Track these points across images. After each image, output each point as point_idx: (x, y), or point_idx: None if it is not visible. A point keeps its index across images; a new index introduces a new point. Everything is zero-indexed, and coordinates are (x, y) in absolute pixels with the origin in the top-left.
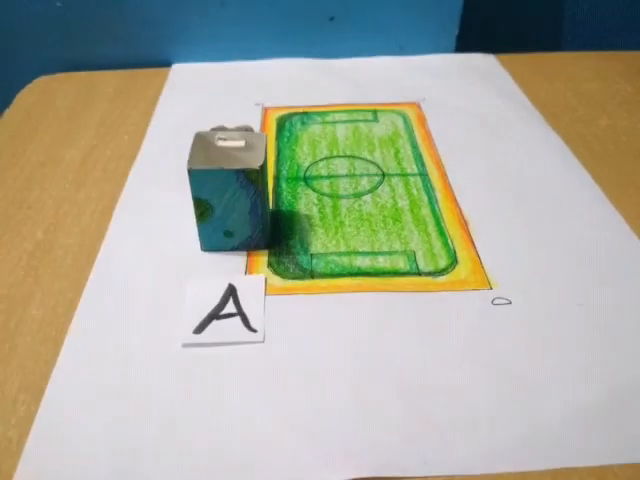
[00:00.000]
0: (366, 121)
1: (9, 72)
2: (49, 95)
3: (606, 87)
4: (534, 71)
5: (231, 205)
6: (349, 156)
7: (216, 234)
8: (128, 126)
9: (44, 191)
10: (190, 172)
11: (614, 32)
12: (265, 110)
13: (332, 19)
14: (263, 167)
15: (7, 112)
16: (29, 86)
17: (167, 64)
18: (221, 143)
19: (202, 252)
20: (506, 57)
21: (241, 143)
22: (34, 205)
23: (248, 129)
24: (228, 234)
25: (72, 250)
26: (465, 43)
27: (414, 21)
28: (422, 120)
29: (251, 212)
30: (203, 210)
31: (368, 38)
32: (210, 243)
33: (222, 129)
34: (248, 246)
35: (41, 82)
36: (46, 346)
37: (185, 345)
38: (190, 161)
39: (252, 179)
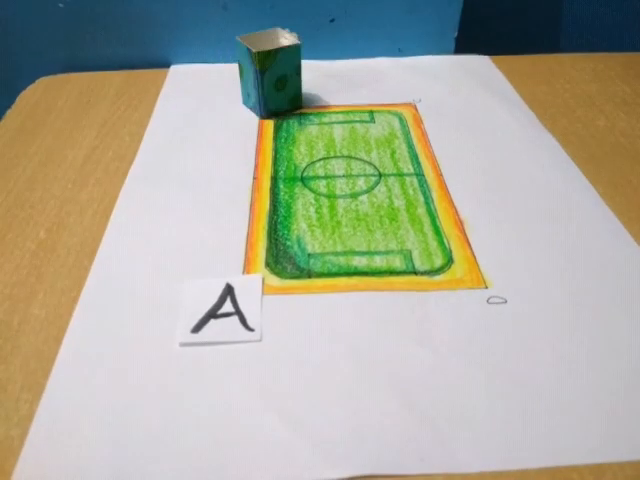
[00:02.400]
0: (362, 122)
1: (11, 73)
2: (51, 96)
3: (604, 88)
4: (532, 73)
5: (246, 73)
6: (346, 156)
7: (245, 92)
8: (129, 127)
9: (46, 191)
10: (237, 41)
11: (612, 33)
12: None
13: (332, 21)
14: (262, 55)
15: (9, 112)
16: (31, 87)
17: (167, 65)
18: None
19: (200, 251)
20: (503, 58)
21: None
22: (36, 205)
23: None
24: (247, 95)
25: (74, 249)
26: (464, 45)
27: (413, 23)
28: (418, 121)
29: (254, 84)
30: (240, 71)
31: (368, 40)
32: (243, 99)
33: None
34: (254, 110)
35: (43, 83)
36: (49, 345)
37: (183, 344)
38: (239, 37)
39: (252, 59)
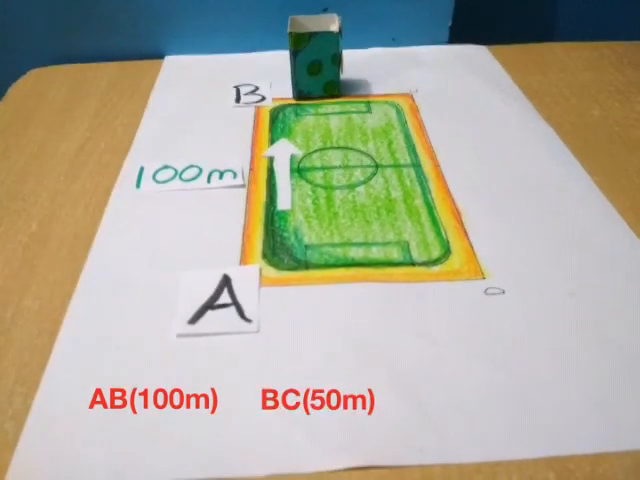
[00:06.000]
0: (359, 112)
1: (2, 64)
2: (42, 87)
3: (599, 77)
4: (526, 62)
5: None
6: (342, 147)
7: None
8: (122, 118)
9: (39, 183)
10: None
11: (606, 22)
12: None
13: (325, 10)
14: (295, 36)
15: (0, 104)
16: (22, 78)
17: (160, 56)
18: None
19: (197, 242)
20: (498, 48)
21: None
22: (29, 197)
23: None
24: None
25: (67, 242)
26: (458, 34)
27: (407, 12)
28: (415, 111)
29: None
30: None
31: (361, 29)
32: None
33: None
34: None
35: (34, 74)
36: (42, 338)
37: (180, 335)
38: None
39: (290, 41)
